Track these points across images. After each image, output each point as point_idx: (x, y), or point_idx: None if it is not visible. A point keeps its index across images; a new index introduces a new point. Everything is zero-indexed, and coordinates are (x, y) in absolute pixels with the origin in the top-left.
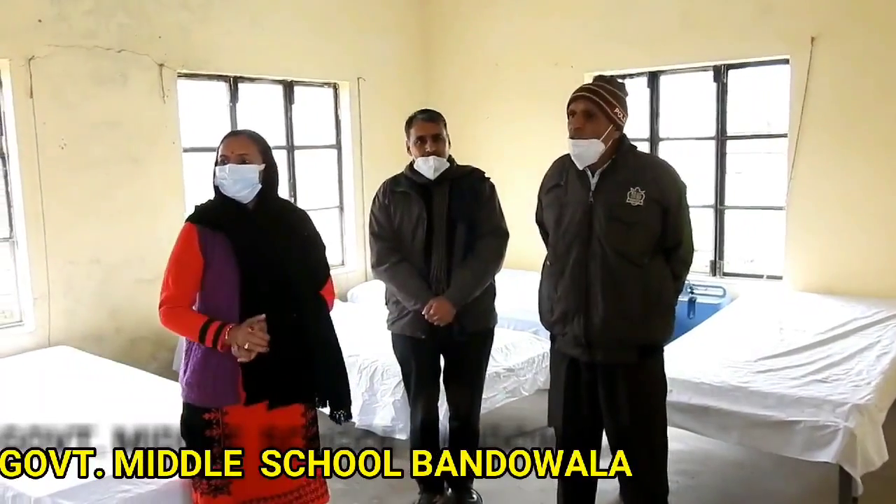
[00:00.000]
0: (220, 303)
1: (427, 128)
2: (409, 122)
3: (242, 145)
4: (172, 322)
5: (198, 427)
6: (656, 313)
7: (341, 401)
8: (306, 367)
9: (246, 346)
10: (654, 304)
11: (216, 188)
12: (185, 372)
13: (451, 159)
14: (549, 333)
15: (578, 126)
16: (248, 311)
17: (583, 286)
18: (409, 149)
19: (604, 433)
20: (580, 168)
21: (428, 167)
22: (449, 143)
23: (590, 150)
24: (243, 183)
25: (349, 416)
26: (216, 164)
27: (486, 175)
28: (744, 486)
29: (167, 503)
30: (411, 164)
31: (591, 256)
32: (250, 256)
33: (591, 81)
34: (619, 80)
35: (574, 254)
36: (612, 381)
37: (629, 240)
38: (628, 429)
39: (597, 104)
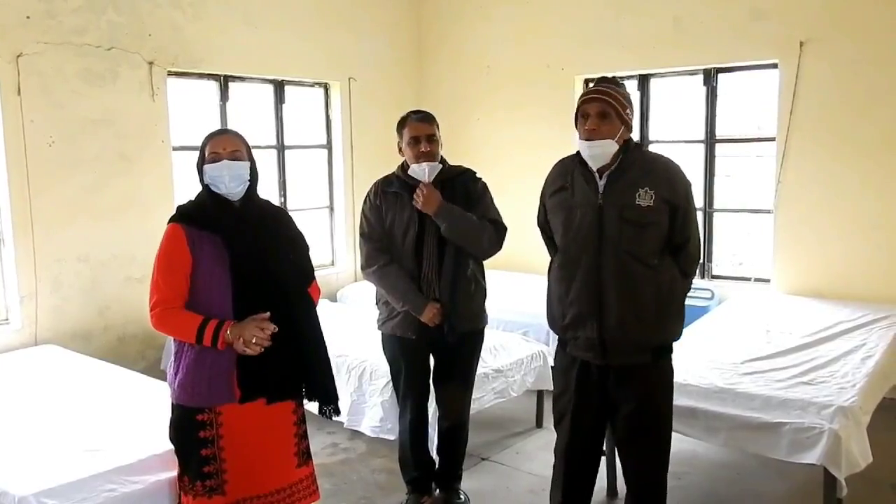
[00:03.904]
0: (212, 302)
1: (421, 128)
2: (402, 123)
3: (233, 142)
4: (166, 324)
5: (191, 429)
6: (669, 313)
7: (330, 396)
8: (299, 364)
9: (254, 341)
10: (666, 304)
11: (206, 186)
12: (175, 374)
13: (443, 160)
14: (541, 334)
15: (594, 127)
16: (241, 308)
17: (596, 289)
18: (400, 150)
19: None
20: (594, 168)
21: (423, 173)
22: (441, 144)
23: (605, 151)
24: (239, 179)
25: (338, 411)
26: (203, 162)
27: (479, 175)
28: (730, 486)
29: (152, 502)
30: (402, 165)
31: (604, 259)
32: (242, 254)
33: (595, 84)
34: (620, 81)
35: (586, 257)
36: (626, 384)
37: (641, 241)
38: (641, 431)
39: (611, 105)
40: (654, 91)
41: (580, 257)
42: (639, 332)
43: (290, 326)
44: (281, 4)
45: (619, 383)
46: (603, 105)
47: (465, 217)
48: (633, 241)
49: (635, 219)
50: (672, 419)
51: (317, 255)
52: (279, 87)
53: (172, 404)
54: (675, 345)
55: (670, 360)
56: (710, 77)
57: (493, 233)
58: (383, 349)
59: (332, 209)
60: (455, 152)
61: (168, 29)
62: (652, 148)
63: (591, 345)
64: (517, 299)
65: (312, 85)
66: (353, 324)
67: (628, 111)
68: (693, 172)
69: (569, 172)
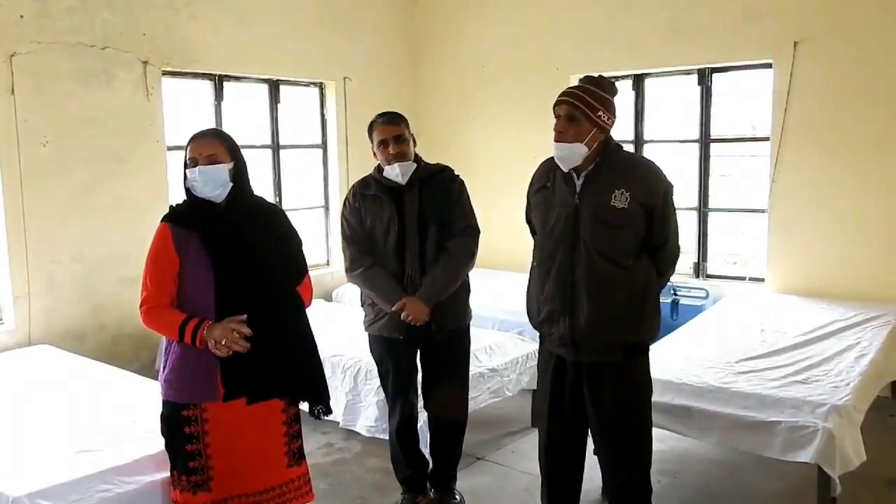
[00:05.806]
0: (196, 301)
1: (388, 130)
2: (371, 128)
3: (210, 145)
4: (153, 321)
5: (177, 424)
6: (642, 314)
7: (319, 396)
8: (284, 363)
9: (223, 343)
10: (639, 304)
11: (187, 190)
12: (163, 370)
13: (418, 158)
14: (535, 334)
15: (561, 130)
16: (223, 308)
17: (568, 287)
18: (375, 154)
19: (588, 434)
20: (565, 170)
21: (396, 174)
22: (414, 141)
23: (572, 154)
24: (214, 183)
25: (328, 410)
26: (185, 166)
27: (456, 173)
28: (724, 485)
29: (146, 502)
30: (378, 167)
31: (577, 258)
32: (223, 255)
33: (578, 82)
34: (609, 80)
35: (560, 255)
36: (598, 381)
37: (614, 242)
38: (613, 429)
39: (578, 108)
40: (649, 91)
41: (555, 255)
42: (610, 330)
43: (275, 326)
44: (276, 4)
45: (591, 380)
46: (570, 108)
47: (443, 281)
48: (606, 242)
49: (609, 220)
50: (650, 418)
51: (312, 255)
52: (274, 86)
53: (162, 400)
54: (671, 343)
55: (646, 360)
56: (704, 77)
57: (468, 254)
58: (371, 350)
59: (327, 209)
60: (450, 151)
61: (162, 28)
62: (647, 147)
63: (563, 341)
64: (512, 298)
65: (308, 84)
66: (348, 323)
67: (600, 113)
68: (687, 172)
69: (552, 171)
